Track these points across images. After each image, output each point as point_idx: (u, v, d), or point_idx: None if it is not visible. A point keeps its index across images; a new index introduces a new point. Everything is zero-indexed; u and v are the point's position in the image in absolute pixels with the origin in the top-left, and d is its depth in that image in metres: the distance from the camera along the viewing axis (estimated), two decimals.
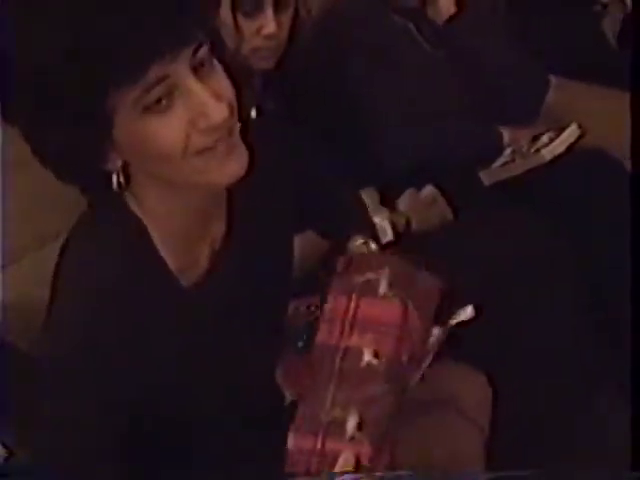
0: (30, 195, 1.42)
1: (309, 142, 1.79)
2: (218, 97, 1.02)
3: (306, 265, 1.59)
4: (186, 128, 1.01)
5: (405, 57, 1.93)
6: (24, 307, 1.41)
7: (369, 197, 1.87)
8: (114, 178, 1.06)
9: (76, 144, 1.02)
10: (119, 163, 1.06)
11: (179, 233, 1.12)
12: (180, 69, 0.99)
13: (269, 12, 1.64)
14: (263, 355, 1.27)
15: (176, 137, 1.01)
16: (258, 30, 1.65)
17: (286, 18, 1.69)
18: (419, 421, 1.24)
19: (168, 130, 1.00)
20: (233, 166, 1.05)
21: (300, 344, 1.29)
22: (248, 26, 1.64)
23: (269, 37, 1.65)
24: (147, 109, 0.99)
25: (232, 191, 1.16)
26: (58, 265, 1.14)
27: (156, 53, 0.97)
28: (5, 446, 1.22)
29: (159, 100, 0.99)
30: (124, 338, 1.06)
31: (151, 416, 1.11)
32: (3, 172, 1.43)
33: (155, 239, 1.11)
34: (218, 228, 1.17)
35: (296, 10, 1.72)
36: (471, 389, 1.43)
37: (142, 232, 1.11)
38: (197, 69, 1.01)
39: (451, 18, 1.95)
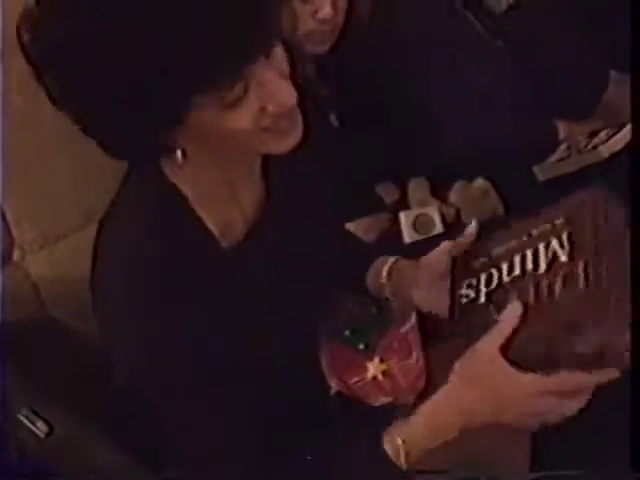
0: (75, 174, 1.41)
1: (359, 131, 1.77)
2: (285, 77, 1.04)
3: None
4: (258, 114, 1.03)
5: (462, 46, 1.90)
6: (70, 283, 1.40)
7: (419, 187, 1.85)
8: (179, 154, 1.08)
9: (144, 129, 1.03)
10: (181, 145, 1.08)
11: (213, 198, 1.15)
12: (259, 66, 1.02)
13: None
14: (305, 324, 1.27)
15: (248, 124, 1.03)
16: (313, 13, 1.61)
17: (343, 2, 1.66)
18: None
19: (241, 120, 1.03)
20: (292, 138, 1.09)
21: (361, 346, 1.28)
22: (303, 9, 1.60)
23: (324, 21, 1.62)
24: (224, 106, 1.01)
25: (270, 161, 1.21)
26: (98, 237, 1.16)
27: (246, 59, 0.99)
28: (46, 422, 1.21)
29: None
30: (168, 304, 1.08)
31: (194, 379, 1.11)
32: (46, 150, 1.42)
33: (193, 204, 1.14)
34: (247, 194, 1.20)
35: None
36: None
37: (181, 197, 1.13)
38: (269, 55, 1.03)
39: (511, 7, 1.92)
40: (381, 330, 1.29)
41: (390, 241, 1.78)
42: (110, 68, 0.97)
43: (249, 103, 1.03)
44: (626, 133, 1.77)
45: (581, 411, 1.10)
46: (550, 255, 1.13)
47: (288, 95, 1.04)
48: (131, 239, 1.12)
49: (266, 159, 1.21)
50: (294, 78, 1.07)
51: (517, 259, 1.16)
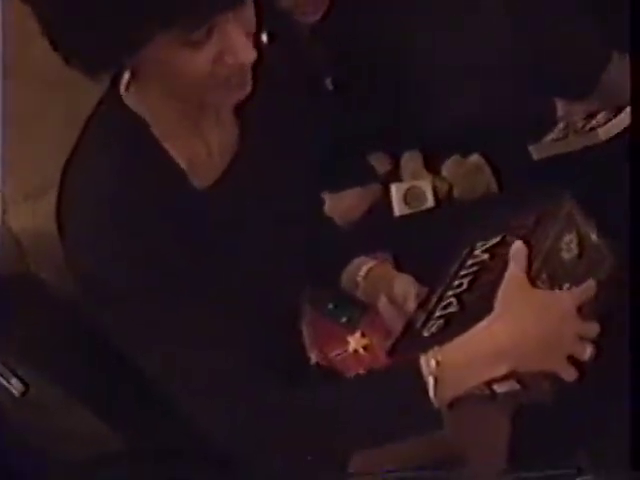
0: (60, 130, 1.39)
1: (353, 98, 1.75)
2: (248, 35, 1.06)
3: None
4: (214, 62, 1.05)
5: (463, 17, 1.86)
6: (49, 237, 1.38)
7: (412, 159, 1.83)
8: (123, 83, 1.12)
9: (103, 45, 1.03)
10: (128, 74, 1.11)
11: (175, 130, 1.15)
12: (227, 17, 1.03)
13: None
14: (284, 287, 1.25)
15: (202, 68, 1.05)
16: None
17: None
18: None
19: (197, 62, 1.04)
20: (240, 92, 1.11)
21: (344, 319, 1.27)
22: None
23: None
24: (185, 44, 1.03)
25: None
26: (62, 182, 1.14)
27: (214, 10, 1.01)
28: (22, 381, 1.19)
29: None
30: (141, 246, 1.07)
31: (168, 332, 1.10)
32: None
33: (158, 136, 1.14)
34: (214, 133, 1.20)
35: None
36: None
37: (145, 130, 1.13)
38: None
39: None
40: (364, 306, 1.28)
41: (380, 213, 1.77)
42: None
43: (208, 48, 1.04)
44: (624, 117, 1.74)
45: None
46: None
47: (248, 52, 1.06)
48: (97, 178, 1.10)
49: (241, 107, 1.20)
50: (257, 40, 1.09)
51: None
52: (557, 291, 1.10)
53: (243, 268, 1.16)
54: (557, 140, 1.79)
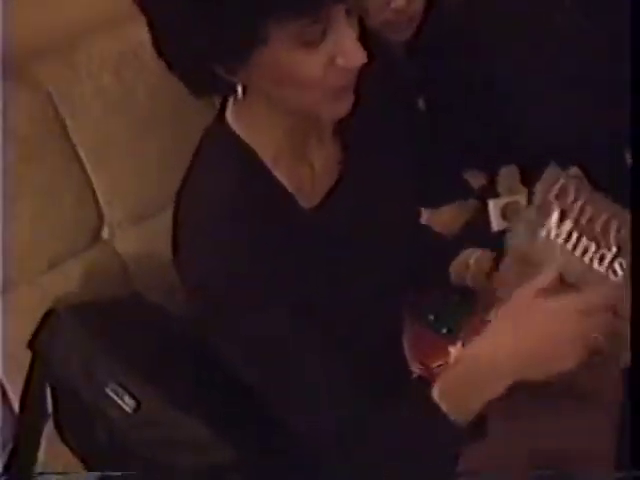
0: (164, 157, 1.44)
1: (446, 116, 1.76)
2: (360, 42, 1.08)
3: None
4: (326, 65, 1.07)
5: (552, 26, 1.85)
6: (158, 259, 1.42)
7: (509, 174, 1.83)
8: (239, 89, 1.12)
9: (213, 52, 1.07)
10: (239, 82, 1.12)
11: (282, 153, 1.17)
12: (338, 11, 1.05)
13: None
14: (386, 302, 1.26)
15: (315, 72, 1.07)
16: (387, 3, 1.59)
17: None
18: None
19: (310, 64, 1.06)
20: (343, 106, 1.12)
21: (444, 330, 1.28)
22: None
23: (399, 11, 1.60)
24: (301, 44, 1.05)
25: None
26: (176, 209, 1.18)
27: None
28: (134, 397, 1.23)
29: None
30: (257, 266, 1.10)
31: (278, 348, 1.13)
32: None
33: (266, 162, 1.16)
34: (316, 154, 1.22)
35: None
36: None
37: (254, 157, 1.16)
38: (348, 13, 1.07)
39: None
40: (464, 316, 1.29)
41: (477, 228, 1.77)
42: None
43: (322, 50, 1.06)
44: None
45: None
46: None
47: (359, 54, 1.07)
48: (210, 198, 1.14)
49: (340, 126, 1.22)
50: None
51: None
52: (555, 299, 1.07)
53: (346, 284, 1.19)
54: None
